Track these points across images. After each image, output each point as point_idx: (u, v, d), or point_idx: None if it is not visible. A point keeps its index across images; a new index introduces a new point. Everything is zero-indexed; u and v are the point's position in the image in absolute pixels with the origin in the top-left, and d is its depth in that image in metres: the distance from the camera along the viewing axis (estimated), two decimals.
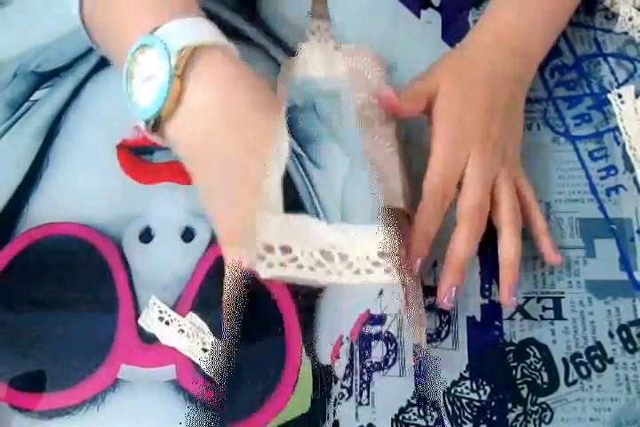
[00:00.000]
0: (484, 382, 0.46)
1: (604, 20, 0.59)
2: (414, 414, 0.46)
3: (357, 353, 0.48)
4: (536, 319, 0.48)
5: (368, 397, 0.47)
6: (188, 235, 0.51)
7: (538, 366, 0.47)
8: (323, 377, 0.47)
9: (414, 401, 0.46)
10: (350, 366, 0.48)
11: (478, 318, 0.48)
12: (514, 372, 0.47)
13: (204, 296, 0.49)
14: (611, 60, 0.57)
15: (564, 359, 0.47)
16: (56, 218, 0.53)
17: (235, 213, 0.42)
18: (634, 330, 0.47)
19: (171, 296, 0.49)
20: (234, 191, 0.42)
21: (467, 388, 0.46)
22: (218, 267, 0.50)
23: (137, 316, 0.49)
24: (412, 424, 0.46)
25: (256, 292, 0.44)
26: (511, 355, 0.47)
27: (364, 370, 0.47)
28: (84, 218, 0.52)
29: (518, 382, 0.46)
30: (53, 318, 0.49)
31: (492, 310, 0.49)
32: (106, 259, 0.51)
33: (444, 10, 0.61)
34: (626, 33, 0.58)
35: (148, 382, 0.47)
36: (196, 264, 0.50)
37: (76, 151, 0.56)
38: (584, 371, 0.47)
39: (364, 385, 0.47)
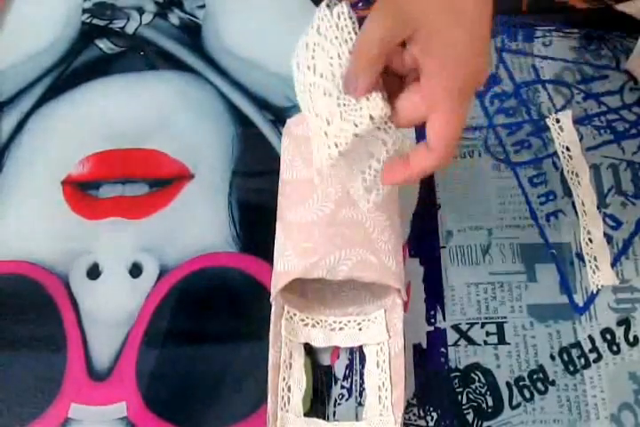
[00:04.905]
0: (431, 409, 0.47)
1: (541, 46, 0.60)
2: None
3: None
4: (480, 345, 0.49)
5: None
6: (135, 270, 0.52)
7: (482, 390, 0.48)
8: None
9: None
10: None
11: (424, 345, 0.49)
12: (459, 397, 0.48)
13: (153, 331, 0.49)
14: (549, 86, 0.59)
15: (507, 383, 0.48)
16: (1, 256, 0.52)
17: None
18: (574, 352, 0.49)
19: (120, 332, 0.49)
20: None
21: (414, 415, 0.47)
22: (166, 302, 0.50)
23: (86, 353, 0.49)
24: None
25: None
26: (456, 380, 0.48)
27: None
28: (31, 255, 0.52)
29: (464, 407, 0.47)
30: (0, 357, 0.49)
31: (438, 337, 0.50)
32: (53, 297, 0.50)
33: None
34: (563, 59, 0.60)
35: (99, 421, 0.47)
36: (145, 300, 0.50)
37: (21, 188, 0.55)
38: (527, 394, 0.48)
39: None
